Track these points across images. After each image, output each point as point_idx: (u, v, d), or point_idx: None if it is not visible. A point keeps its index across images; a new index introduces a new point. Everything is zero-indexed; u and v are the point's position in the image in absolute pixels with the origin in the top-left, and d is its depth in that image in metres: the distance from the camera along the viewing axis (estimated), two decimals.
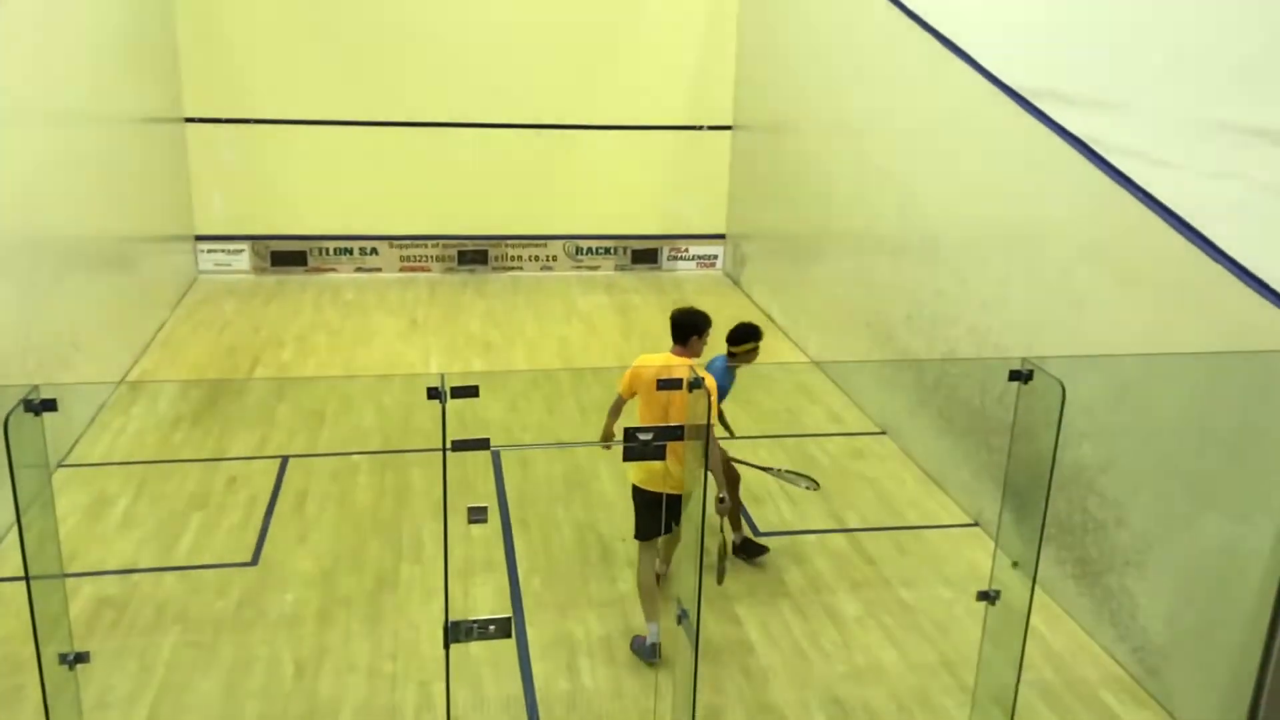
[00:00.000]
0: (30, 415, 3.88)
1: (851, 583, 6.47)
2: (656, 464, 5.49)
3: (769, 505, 7.39)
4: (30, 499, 3.94)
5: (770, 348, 10.85)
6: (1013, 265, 6.93)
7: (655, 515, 5.64)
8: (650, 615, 5.69)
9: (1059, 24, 6.68)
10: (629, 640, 5.81)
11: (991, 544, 5.56)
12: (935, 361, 7.91)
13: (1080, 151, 6.14)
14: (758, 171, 12.37)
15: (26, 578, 3.90)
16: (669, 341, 5.82)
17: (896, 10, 8.54)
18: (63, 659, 4.18)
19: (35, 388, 3.90)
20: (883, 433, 8.63)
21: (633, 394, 5.72)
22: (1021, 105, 6.78)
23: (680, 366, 5.55)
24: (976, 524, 7.19)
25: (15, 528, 3.88)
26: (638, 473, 5.66)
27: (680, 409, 5.27)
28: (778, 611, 6.16)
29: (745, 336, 6.38)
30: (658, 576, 5.99)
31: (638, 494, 5.70)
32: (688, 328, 5.74)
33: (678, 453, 5.26)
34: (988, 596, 4.93)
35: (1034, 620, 4.89)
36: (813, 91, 10.57)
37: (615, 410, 5.92)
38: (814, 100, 10.55)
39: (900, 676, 5.61)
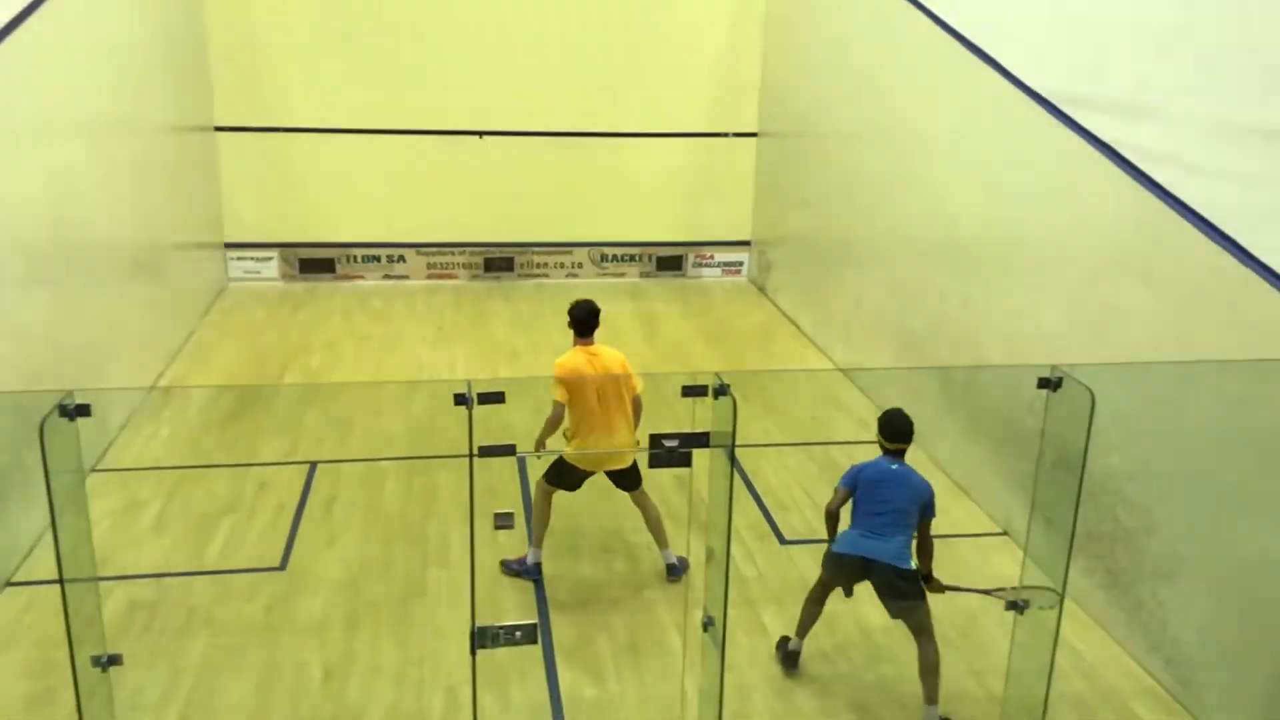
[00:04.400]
0: (65, 420, 3.94)
1: None
2: (602, 446, 6.20)
3: (794, 512, 7.36)
4: (64, 503, 3.99)
5: (797, 354, 10.88)
6: (1041, 272, 6.88)
7: (577, 484, 6.39)
8: (537, 541, 6.43)
9: (1088, 28, 6.64)
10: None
11: (1020, 553, 5.52)
12: (963, 369, 7.86)
13: (1109, 158, 6.10)
14: (783, 178, 12.36)
15: (61, 581, 3.95)
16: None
17: (923, 16, 8.52)
18: (95, 661, 4.22)
19: (70, 393, 3.95)
20: None
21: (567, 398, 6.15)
22: (1049, 111, 6.74)
23: (622, 376, 6.22)
24: (1005, 533, 7.13)
25: (50, 531, 3.93)
26: (576, 453, 6.21)
27: (616, 398, 6.17)
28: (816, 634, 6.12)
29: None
30: (669, 567, 6.51)
31: (571, 468, 6.28)
32: (593, 320, 6.38)
33: (616, 430, 6.15)
34: (1016, 606, 4.90)
35: (1064, 630, 4.85)
36: (838, 98, 10.55)
37: (556, 421, 6.19)
38: (840, 106, 10.53)
39: None
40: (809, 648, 5.82)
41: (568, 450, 6.25)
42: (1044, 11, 7.20)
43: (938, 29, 8.31)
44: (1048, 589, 5.16)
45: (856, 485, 5.38)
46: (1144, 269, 5.85)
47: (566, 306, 6.50)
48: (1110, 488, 5.90)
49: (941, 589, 5.39)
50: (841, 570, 5.41)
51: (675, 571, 6.52)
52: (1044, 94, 6.86)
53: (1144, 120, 6.00)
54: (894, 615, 5.40)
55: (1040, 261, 6.90)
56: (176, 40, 10.94)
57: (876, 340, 9.55)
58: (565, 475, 6.39)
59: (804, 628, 5.65)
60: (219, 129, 12.18)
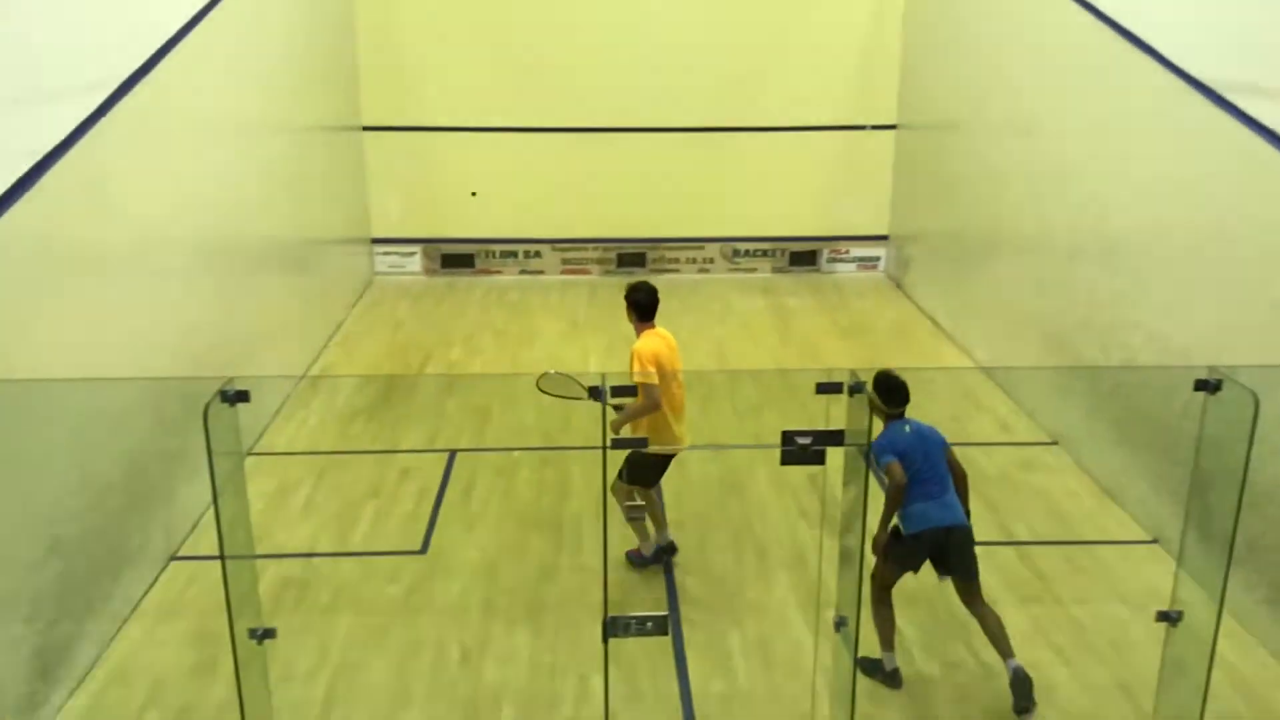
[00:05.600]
0: (226, 405, 4.16)
1: (1019, 597, 6.23)
2: (679, 432, 6.22)
3: None
4: (225, 483, 4.22)
5: (936, 352, 10.62)
6: (1200, 268, 6.52)
7: (663, 471, 6.37)
8: (660, 524, 6.49)
9: (1252, 9, 6.25)
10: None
11: (1173, 563, 5.26)
12: (1113, 369, 7.53)
13: (1278, 147, 5.73)
14: (923, 171, 12.07)
15: (222, 557, 4.18)
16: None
17: (1073, 2, 8.18)
18: (252, 634, 4.45)
19: (230, 380, 4.18)
20: (1054, 443, 8.27)
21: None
22: (1212, 100, 6.38)
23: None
24: (1156, 541, 6.80)
25: (212, 510, 4.17)
26: (661, 440, 6.13)
27: (679, 380, 6.21)
28: (938, 622, 5.99)
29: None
30: (670, 545, 6.57)
31: (654, 460, 6.23)
32: (657, 303, 6.24)
33: (684, 413, 6.27)
34: (1169, 618, 4.67)
35: (1221, 646, 4.58)
36: (983, 89, 10.23)
37: (655, 404, 6.03)
38: (984, 97, 10.22)
39: (1071, 697, 5.36)
40: (943, 652, 5.69)
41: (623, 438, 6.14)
42: None
43: (1086, 14, 7.97)
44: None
45: (904, 458, 5.33)
46: None
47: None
48: (1277, 498, 5.55)
49: None
50: (923, 547, 5.35)
51: (672, 551, 6.54)
52: (1204, 81, 6.50)
53: None
54: (963, 576, 5.35)
55: (1198, 257, 6.54)
56: (329, 44, 11.42)
57: (1020, 338, 9.23)
58: (654, 469, 6.34)
59: (888, 639, 5.49)
60: (366, 128, 12.65)
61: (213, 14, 7.67)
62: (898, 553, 5.38)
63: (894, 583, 5.45)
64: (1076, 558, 6.66)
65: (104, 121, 5.95)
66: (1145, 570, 6.49)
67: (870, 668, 5.47)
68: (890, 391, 5.40)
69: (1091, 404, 7.82)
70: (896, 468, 5.24)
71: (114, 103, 6.12)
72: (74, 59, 5.99)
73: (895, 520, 5.37)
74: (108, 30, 6.43)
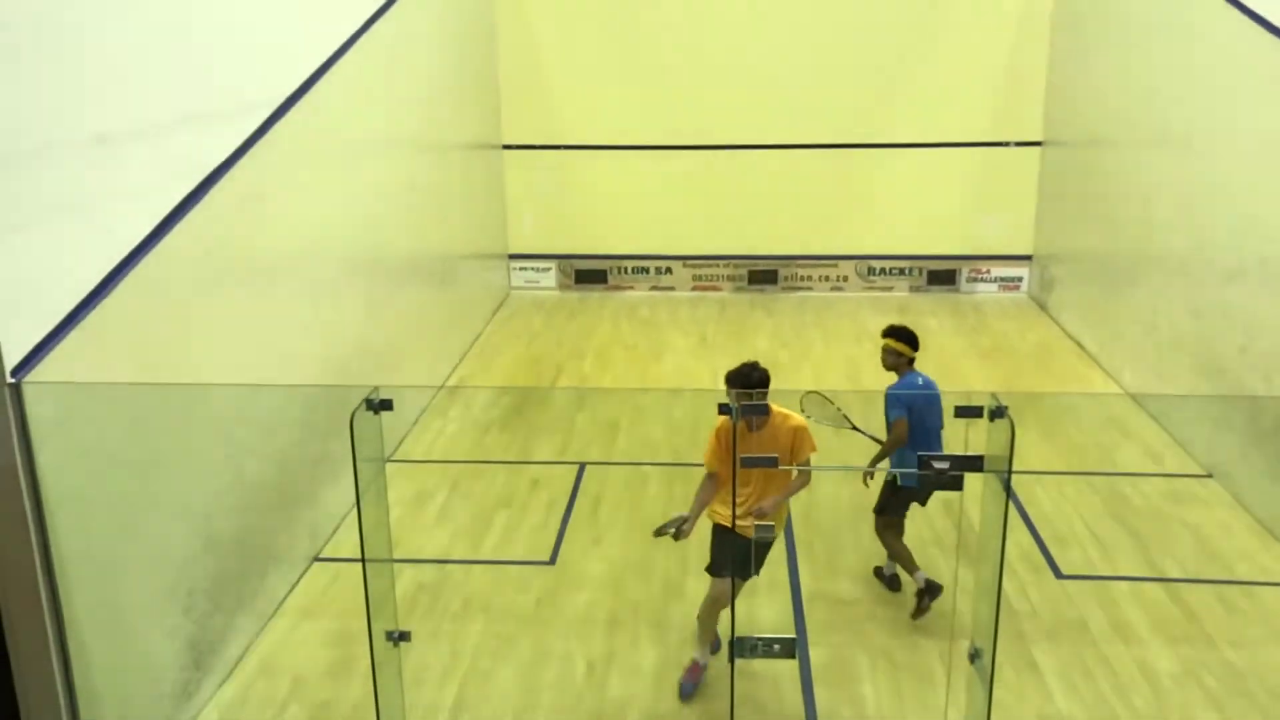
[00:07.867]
0: (370, 413, 4.32)
1: (1168, 637, 5.91)
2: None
3: (1074, 547, 6.90)
4: (367, 489, 4.38)
5: (1081, 377, 10.22)
6: None
7: (726, 551, 5.49)
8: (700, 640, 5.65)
9: None
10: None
11: None
12: (1277, 399, 7.09)
13: None
14: (1069, 189, 11.63)
15: (363, 560, 4.33)
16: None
17: (1230, 7, 7.77)
18: (389, 636, 4.60)
19: (375, 389, 4.33)
20: (1209, 475, 7.83)
21: None
22: None
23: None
24: None
25: (353, 514, 4.33)
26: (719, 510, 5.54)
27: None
28: (1080, 659, 5.73)
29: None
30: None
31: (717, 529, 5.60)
32: None
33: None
34: None
35: None
36: (1136, 102, 9.81)
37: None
38: (1137, 112, 9.79)
39: None
40: (1083, 692, 5.45)
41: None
42: None
43: (1246, 20, 7.56)
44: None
45: (911, 410, 5.71)
46: None
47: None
48: None
49: None
50: (911, 497, 6.02)
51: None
52: None
53: None
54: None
55: None
56: (472, 67, 11.77)
57: (1172, 364, 8.78)
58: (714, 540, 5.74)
59: (910, 564, 6.09)
60: (506, 147, 12.98)
61: (364, 40, 8.01)
62: (895, 503, 6.08)
63: (898, 525, 6.13)
64: (1232, 598, 6.28)
65: (264, 140, 6.28)
66: None
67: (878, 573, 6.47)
68: (913, 339, 5.92)
69: (1252, 435, 7.38)
70: (902, 425, 5.77)
71: (273, 122, 6.45)
72: (238, 80, 6.34)
73: (890, 470, 5.97)
74: (269, 54, 6.79)
